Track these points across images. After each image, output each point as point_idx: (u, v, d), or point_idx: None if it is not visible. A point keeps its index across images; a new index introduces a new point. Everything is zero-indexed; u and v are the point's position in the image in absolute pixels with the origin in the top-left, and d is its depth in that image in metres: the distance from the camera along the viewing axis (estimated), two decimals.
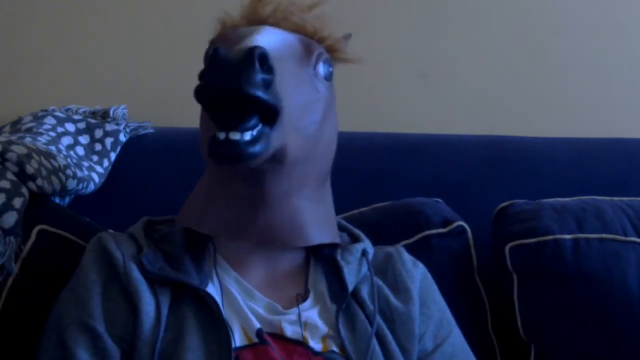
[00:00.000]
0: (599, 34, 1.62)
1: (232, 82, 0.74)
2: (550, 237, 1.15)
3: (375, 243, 1.03)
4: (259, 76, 0.75)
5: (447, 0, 1.62)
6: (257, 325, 0.87)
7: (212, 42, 0.91)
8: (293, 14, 0.91)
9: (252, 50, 0.75)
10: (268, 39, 0.84)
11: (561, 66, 1.62)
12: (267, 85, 0.77)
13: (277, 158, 0.83)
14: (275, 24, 0.90)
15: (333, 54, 0.94)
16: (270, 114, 0.79)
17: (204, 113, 0.90)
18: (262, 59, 0.76)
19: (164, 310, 0.85)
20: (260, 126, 0.79)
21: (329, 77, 0.92)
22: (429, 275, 1.01)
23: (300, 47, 0.89)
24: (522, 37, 1.62)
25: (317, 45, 0.91)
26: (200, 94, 0.77)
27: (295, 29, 0.90)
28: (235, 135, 0.77)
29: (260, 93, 0.75)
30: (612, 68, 1.63)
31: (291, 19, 0.90)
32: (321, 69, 0.90)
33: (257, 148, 0.78)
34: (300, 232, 0.90)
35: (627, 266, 1.14)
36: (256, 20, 0.91)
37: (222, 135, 0.78)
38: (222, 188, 0.90)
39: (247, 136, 0.78)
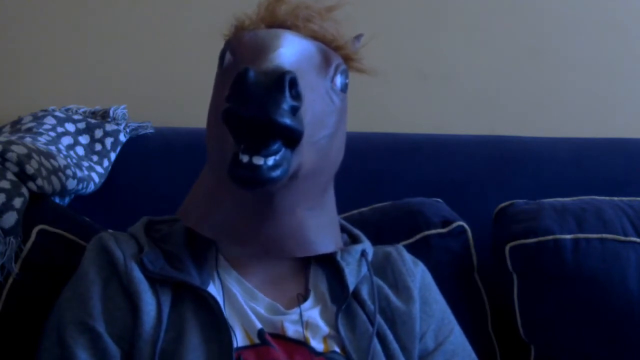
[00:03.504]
0: (599, 34, 1.62)
1: (262, 111, 0.74)
2: (550, 237, 1.15)
3: (375, 243, 1.03)
4: (288, 104, 0.75)
5: (447, 0, 1.62)
6: (259, 325, 0.86)
7: (229, 43, 0.90)
8: (312, 18, 0.90)
9: (282, 76, 0.75)
10: (291, 50, 0.83)
11: (561, 66, 1.62)
12: (295, 111, 0.77)
13: (292, 175, 0.83)
14: (294, 28, 0.89)
15: (349, 63, 0.93)
16: (293, 139, 0.79)
17: (216, 116, 0.87)
18: (292, 85, 0.76)
19: (165, 310, 0.85)
20: (282, 151, 0.79)
21: (344, 89, 0.91)
22: (429, 274, 1.01)
23: (319, 57, 0.88)
24: (522, 37, 1.62)
25: (335, 55, 0.90)
26: (228, 119, 0.76)
27: (313, 35, 0.89)
28: (258, 160, 0.78)
29: (288, 121, 0.75)
30: (612, 68, 1.63)
31: (310, 25, 0.89)
32: (338, 81, 0.90)
33: (278, 172, 0.79)
34: (305, 243, 0.90)
35: (627, 266, 1.14)
36: (275, 23, 0.90)
37: (245, 158, 0.78)
38: (227, 193, 0.88)
39: (270, 161, 0.78)
